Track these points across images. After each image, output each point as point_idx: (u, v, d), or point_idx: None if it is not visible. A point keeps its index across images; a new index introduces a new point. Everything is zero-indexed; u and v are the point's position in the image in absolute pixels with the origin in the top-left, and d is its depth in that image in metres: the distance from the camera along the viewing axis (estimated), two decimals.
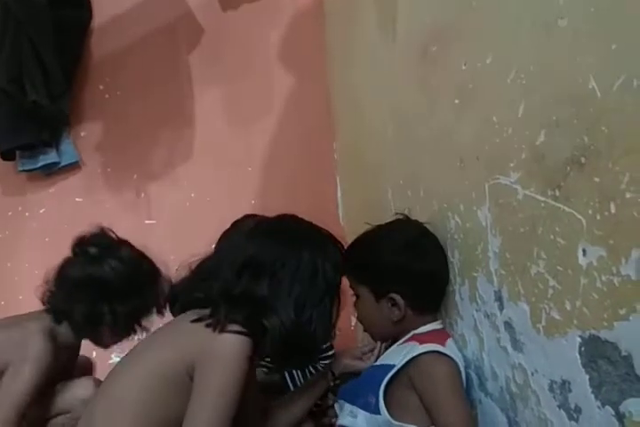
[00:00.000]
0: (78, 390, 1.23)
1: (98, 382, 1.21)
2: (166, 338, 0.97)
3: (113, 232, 1.23)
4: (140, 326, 1.24)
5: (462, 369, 0.95)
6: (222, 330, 0.89)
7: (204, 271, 1.02)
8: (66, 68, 1.85)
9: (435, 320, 1.05)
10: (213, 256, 1.06)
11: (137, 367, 0.93)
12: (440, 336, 1.00)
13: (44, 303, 1.24)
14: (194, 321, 0.92)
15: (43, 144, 1.88)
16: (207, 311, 0.93)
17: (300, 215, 1.06)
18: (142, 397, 0.89)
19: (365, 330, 1.14)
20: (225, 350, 0.88)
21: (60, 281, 1.22)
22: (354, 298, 1.11)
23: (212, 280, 0.97)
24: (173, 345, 0.93)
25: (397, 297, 1.00)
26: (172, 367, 0.89)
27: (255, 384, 1.11)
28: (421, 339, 0.98)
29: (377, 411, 0.94)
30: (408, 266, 1.00)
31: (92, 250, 1.20)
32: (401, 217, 1.13)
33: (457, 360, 0.95)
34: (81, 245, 1.22)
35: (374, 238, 1.08)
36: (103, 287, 1.17)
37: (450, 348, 0.97)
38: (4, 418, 1.09)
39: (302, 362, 1.09)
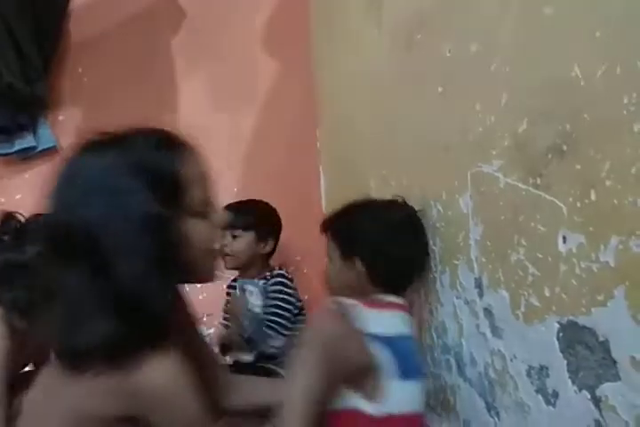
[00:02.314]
0: None
1: None
2: None
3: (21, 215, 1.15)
4: None
5: (378, 347, 0.85)
6: None
7: None
8: (43, 50, 1.81)
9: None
10: None
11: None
12: (391, 306, 0.95)
13: None
14: None
15: (19, 128, 1.84)
16: None
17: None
18: None
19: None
20: None
21: None
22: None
23: None
24: None
25: (358, 262, 0.98)
26: None
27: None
28: (368, 303, 0.92)
29: None
30: (383, 246, 0.99)
31: (5, 237, 1.17)
32: (398, 198, 1.10)
33: (364, 329, 0.86)
34: None
35: (365, 209, 1.06)
36: (23, 273, 1.15)
37: (379, 316, 0.90)
38: None
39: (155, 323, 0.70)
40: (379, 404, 0.83)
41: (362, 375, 0.84)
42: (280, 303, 1.51)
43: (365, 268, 0.97)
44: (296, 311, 1.55)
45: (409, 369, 0.87)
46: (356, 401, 0.84)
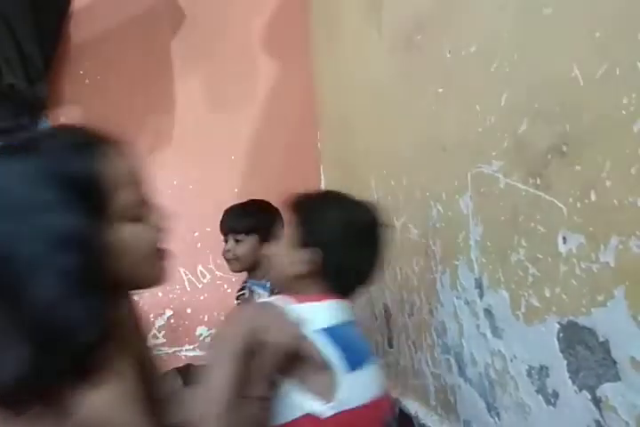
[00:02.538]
0: None
1: None
2: None
3: None
4: None
5: (306, 336, 0.80)
6: None
7: None
8: (45, 51, 1.81)
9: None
10: None
11: None
12: (323, 297, 0.89)
13: None
14: None
15: (20, 129, 1.84)
16: None
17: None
18: None
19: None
20: None
21: None
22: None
23: None
24: None
25: (315, 254, 0.90)
26: None
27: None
28: (299, 298, 0.87)
29: None
30: (347, 243, 0.92)
31: None
32: (372, 202, 1.03)
33: (301, 325, 0.80)
34: None
35: (340, 203, 0.98)
36: None
37: (313, 309, 0.85)
38: None
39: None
40: (332, 403, 0.79)
41: (300, 367, 0.79)
42: None
43: (322, 260, 0.90)
44: None
45: (355, 358, 0.83)
46: (309, 405, 0.79)
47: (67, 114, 1.99)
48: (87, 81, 2.01)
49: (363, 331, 1.59)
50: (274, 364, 0.78)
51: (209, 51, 2.06)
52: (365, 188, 1.42)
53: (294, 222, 0.95)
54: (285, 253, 0.94)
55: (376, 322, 1.44)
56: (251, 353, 0.76)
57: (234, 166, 2.03)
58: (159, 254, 0.73)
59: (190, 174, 2.00)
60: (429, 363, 1.09)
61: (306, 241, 0.92)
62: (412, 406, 1.16)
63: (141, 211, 0.69)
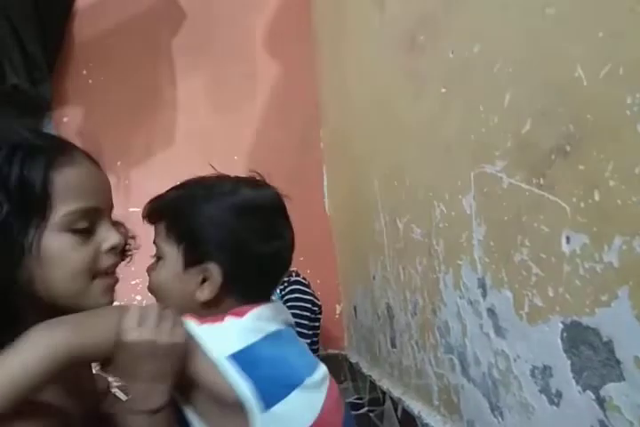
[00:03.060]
0: None
1: None
2: None
3: None
4: None
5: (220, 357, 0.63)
6: None
7: None
8: (48, 52, 1.82)
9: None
10: None
11: None
12: (240, 311, 0.71)
13: None
14: None
15: None
16: None
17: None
18: None
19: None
20: None
21: None
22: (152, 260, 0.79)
23: None
24: None
25: (214, 269, 0.71)
26: None
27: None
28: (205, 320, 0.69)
29: None
30: (248, 242, 0.73)
31: None
32: (255, 176, 0.88)
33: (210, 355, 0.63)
34: None
35: (214, 195, 0.79)
36: None
37: (226, 330, 0.67)
38: None
39: None
40: None
41: (205, 401, 0.64)
42: (297, 311, 1.50)
43: (226, 272, 0.71)
44: (313, 316, 1.55)
45: (276, 389, 0.65)
46: None
47: (70, 114, 1.99)
48: (90, 81, 2.01)
49: (365, 331, 1.60)
50: (160, 373, 0.61)
51: (211, 51, 2.06)
52: (368, 188, 1.43)
53: (171, 239, 0.75)
54: (177, 279, 0.74)
55: (379, 322, 1.44)
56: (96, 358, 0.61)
57: (236, 167, 2.02)
58: (97, 274, 0.66)
59: (193, 174, 1.99)
60: (432, 363, 1.09)
61: (197, 257, 0.73)
62: (415, 406, 1.16)
63: (87, 224, 0.65)
